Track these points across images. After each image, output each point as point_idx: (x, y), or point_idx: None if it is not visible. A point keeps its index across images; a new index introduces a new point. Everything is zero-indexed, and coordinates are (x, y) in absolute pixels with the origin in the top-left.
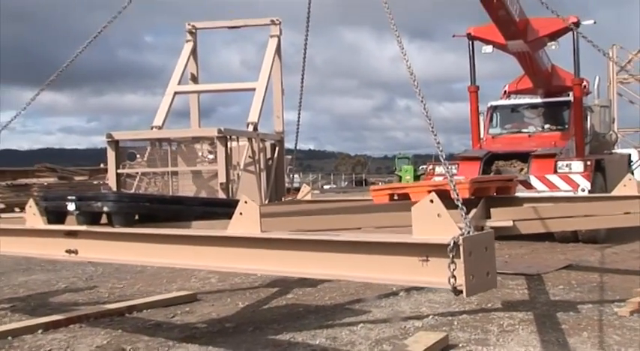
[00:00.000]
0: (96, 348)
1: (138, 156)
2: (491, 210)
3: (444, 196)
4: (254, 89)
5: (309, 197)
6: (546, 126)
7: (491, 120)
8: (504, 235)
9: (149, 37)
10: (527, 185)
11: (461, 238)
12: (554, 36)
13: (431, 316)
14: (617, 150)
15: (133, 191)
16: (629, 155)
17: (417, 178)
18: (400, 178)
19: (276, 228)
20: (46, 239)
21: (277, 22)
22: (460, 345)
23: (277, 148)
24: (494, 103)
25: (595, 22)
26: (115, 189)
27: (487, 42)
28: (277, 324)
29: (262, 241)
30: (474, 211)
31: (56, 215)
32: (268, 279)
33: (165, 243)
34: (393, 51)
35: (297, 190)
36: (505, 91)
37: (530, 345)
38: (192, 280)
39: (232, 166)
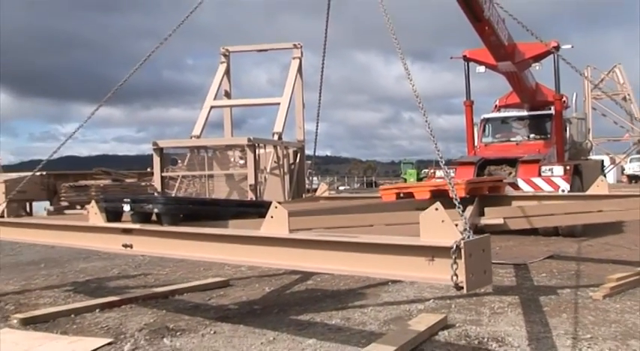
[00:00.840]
0: (144, 325)
1: (179, 161)
2: (485, 209)
3: (444, 195)
4: (279, 103)
5: (326, 194)
6: (531, 135)
7: (484, 130)
8: (495, 230)
9: (189, 59)
10: (515, 187)
11: (462, 242)
12: (538, 58)
13: (432, 300)
14: (592, 156)
15: (175, 192)
16: (602, 161)
17: (419, 180)
18: (405, 181)
19: (301, 225)
20: (106, 235)
21: (299, 46)
22: (457, 325)
23: (299, 154)
24: (487, 116)
25: (572, 47)
26: (159, 190)
27: (480, 63)
28: (299, 306)
29: (290, 241)
30: (470, 208)
31: (114, 215)
32: (290, 269)
33: (207, 241)
34: (398, 71)
35: (316, 190)
36: (496, 105)
37: (518, 325)
38: (225, 268)
39: (260, 169)
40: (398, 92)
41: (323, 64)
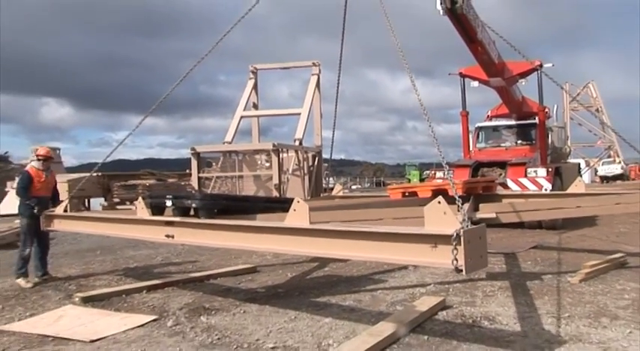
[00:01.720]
0: (184, 305)
1: (213, 164)
2: (480, 205)
3: (443, 194)
4: (299, 114)
5: (341, 194)
6: (519, 142)
7: (477, 137)
8: (488, 224)
9: (222, 76)
10: (505, 186)
11: (462, 230)
12: (524, 75)
13: (432, 285)
14: (570, 160)
15: (210, 191)
16: (579, 164)
17: (422, 180)
18: (409, 181)
19: (320, 219)
20: (151, 227)
21: (317, 64)
22: (454, 306)
23: (317, 158)
24: (480, 125)
25: (553, 65)
26: (197, 188)
27: (474, 79)
28: (317, 290)
29: (310, 231)
30: (467, 204)
31: (158, 209)
32: (310, 256)
33: (238, 231)
34: (403, 85)
35: (332, 189)
36: (488, 116)
37: (506, 305)
38: (253, 256)
39: (283, 171)
40: (403, 104)
41: (339, 80)
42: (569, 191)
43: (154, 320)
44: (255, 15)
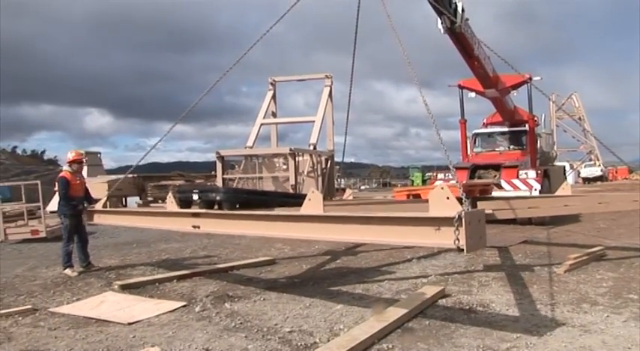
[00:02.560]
0: (210, 293)
1: (236, 166)
2: (477, 203)
3: None
4: (313, 121)
5: (351, 198)
6: (511, 146)
7: (474, 142)
8: (485, 220)
9: (244, 87)
10: (499, 186)
11: (463, 212)
12: (516, 86)
13: (433, 276)
14: (557, 163)
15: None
16: (564, 167)
17: (424, 181)
18: (412, 182)
19: (333, 211)
20: (179, 218)
21: (330, 76)
22: (453, 295)
23: (329, 161)
24: (477, 131)
25: (541, 78)
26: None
27: (471, 90)
28: (329, 280)
29: (324, 217)
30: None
31: (186, 203)
32: (323, 249)
33: (259, 220)
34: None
35: (343, 189)
36: (484, 123)
37: (499, 294)
38: (272, 250)
39: (299, 173)
40: (406, 112)
41: (350, 91)
42: (557, 194)
43: (184, 306)
44: (274, 32)
